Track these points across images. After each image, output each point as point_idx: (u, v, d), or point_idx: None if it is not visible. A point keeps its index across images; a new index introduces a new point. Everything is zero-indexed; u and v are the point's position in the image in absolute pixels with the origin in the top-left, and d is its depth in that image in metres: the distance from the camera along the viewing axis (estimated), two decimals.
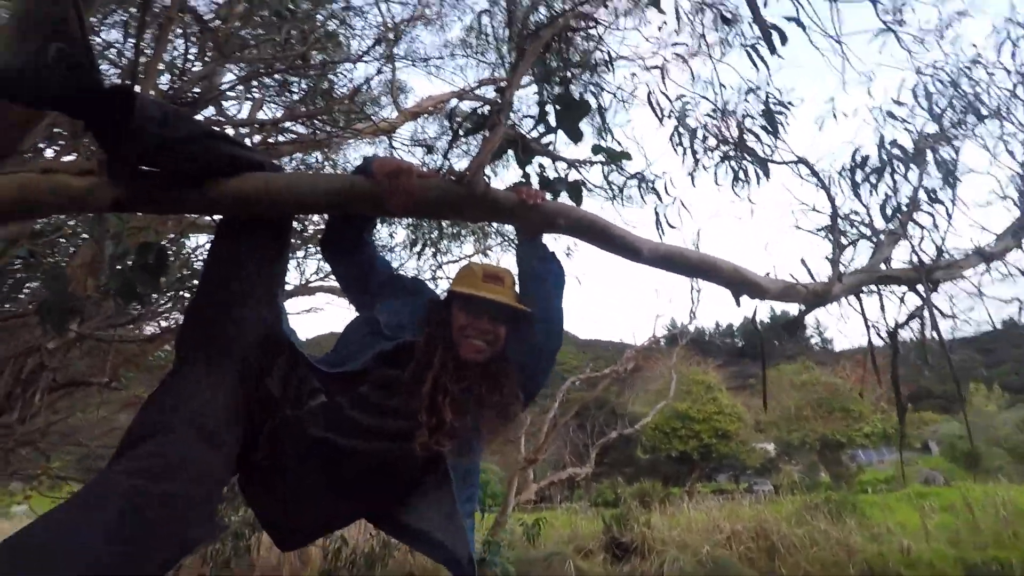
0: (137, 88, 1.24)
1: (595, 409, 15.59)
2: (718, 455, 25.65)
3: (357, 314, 1.63)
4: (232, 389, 1.22)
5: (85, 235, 3.24)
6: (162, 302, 4.07)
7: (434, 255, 6.15)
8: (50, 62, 1.03)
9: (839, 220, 2.82)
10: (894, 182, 2.97)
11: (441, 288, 2.04)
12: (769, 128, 3.18)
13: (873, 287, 2.63)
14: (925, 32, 3.39)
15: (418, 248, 5.89)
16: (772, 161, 3.14)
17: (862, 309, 2.58)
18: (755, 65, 2.80)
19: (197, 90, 2.70)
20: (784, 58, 2.82)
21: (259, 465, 1.29)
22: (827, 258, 2.40)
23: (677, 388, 21.25)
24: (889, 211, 2.93)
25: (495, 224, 6.72)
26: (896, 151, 3.02)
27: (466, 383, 1.41)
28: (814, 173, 2.78)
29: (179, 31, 2.60)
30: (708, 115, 3.35)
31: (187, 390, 1.17)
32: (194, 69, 2.88)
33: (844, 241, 2.85)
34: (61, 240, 3.38)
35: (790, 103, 3.22)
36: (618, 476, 24.67)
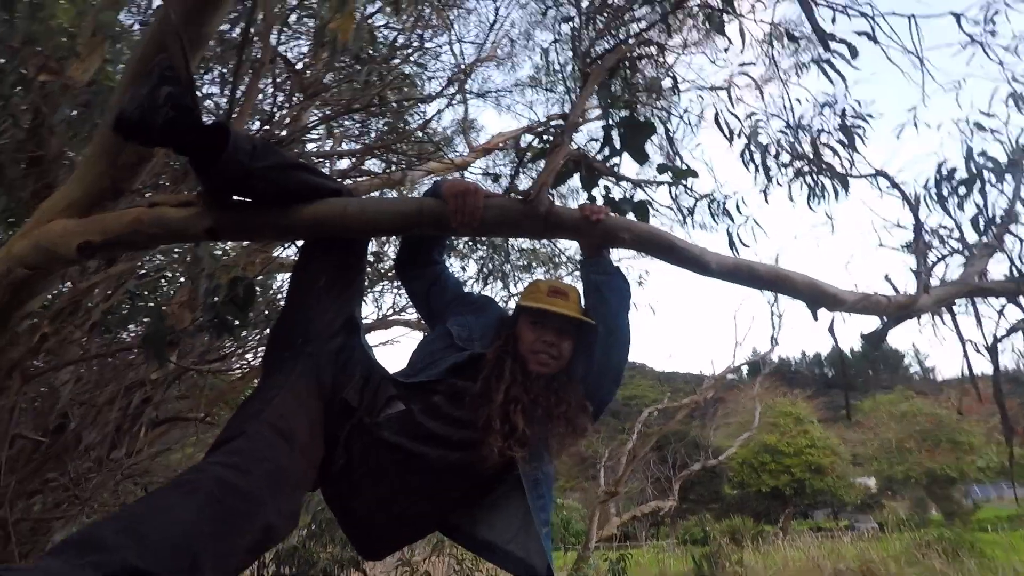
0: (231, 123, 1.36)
1: (675, 441, 15.04)
2: (813, 491, 24.04)
3: (428, 333, 1.69)
4: (309, 399, 1.28)
5: (183, 279, 3.51)
6: (250, 338, 4.32)
7: (504, 287, 6.23)
8: (161, 103, 1.15)
9: (926, 234, 2.67)
10: (984, 194, 2.78)
11: (510, 307, 2.08)
12: (847, 141, 3.07)
13: (966, 300, 2.45)
14: (1020, 39, 3.19)
15: (488, 280, 5.98)
16: (851, 176, 3.02)
17: (955, 324, 2.40)
18: (829, 79, 2.72)
19: (284, 132, 2.93)
20: (860, 70, 2.73)
21: (339, 474, 1.35)
22: (912, 270, 2.26)
23: (763, 420, 20.24)
24: (982, 224, 2.74)
25: (565, 253, 6.75)
26: (986, 162, 2.83)
27: (534, 394, 1.44)
28: (894, 185, 2.64)
29: (269, 78, 2.85)
30: (781, 131, 3.27)
31: (269, 398, 1.25)
32: (281, 113, 3.12)
33: (933, 256, 2.68)
34: (162, 282, 3.68)
35: (869, 115, 3.10)
36: (705, 512, 23.57)
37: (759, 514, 22.83)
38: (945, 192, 2.83)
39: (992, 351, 2.52)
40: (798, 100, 3.31)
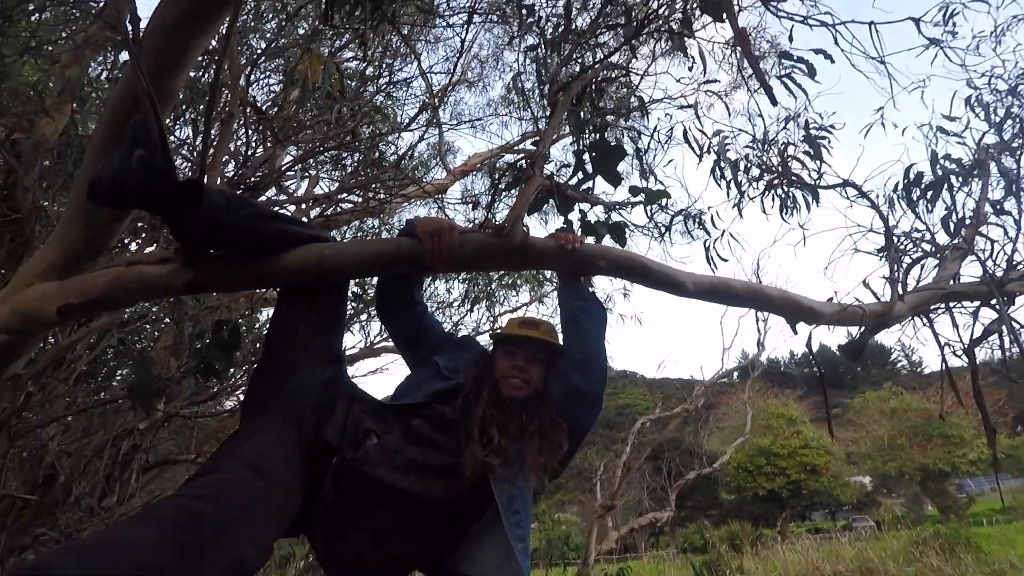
0: (205, 180, 1.38)
1: (670, 450, 15.07)
2: (809, 492, 24.13)
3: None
4: (288, 438, 1.29)
5: (167, 320, 3.50)
6: (238, 376, 4.30)
7: (488, 308, 6.25)
8: (134, 167, 1.17)
9: (900, 239, 2.73)
10: (952, 197, 2.87)
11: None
12: (812, 153, 3.15)
13: (941, 305, 2.51)
14: (980, 38, 3.30)
15: (472, 302, 6.01)
16: (820, 187, 3.09)
17: (933, 328, 2.46)
18: (791, 93, 2.80)
19: (259, 174, 2.95)
20: (821, 83, 2.81)
21: (327, 512, 1.36)
22: (885, 278, 2.32)
23: (756, 423, 20.30)
24: (952, 226, 2.82)
25: (548, 271, 6.80)
26: (952, 165, 2.92)
27: (508, 415, 1.50)
28: (862, 194, 2.71)
29: (240, 121, 2.87)
30: (748, 146, 3.35)
31: (245, 437, 1.27)
32: (256, 155, 3.14)
33: (907, 260, 2.74)
34: (146, 327, 3.66)
35: (831, 127, 3.18)
36: (703, 519, 23.55)
37: (757, 518, 22.86)
38: (914, 196, 2.91)
39: (969, 354, 2.58)
40: (763, 116, 3.39)
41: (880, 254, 2.80)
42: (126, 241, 2.83)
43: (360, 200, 4.36)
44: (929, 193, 2.88)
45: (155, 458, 3.74)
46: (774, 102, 1.95)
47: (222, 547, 1.03)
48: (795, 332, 2.01)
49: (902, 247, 2.78)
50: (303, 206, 3.79)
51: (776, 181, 3.16)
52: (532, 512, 1.59)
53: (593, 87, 2.73)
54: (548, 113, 2.55)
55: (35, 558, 0.97)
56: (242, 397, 5.19)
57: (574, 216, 2.26)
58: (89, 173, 1.34)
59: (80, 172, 1.39)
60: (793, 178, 3.17)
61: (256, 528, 1.11)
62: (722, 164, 3.30)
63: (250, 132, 3.16)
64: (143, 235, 2.69)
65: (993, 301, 2.51)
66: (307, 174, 4.18)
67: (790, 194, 3.22)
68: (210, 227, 1.26)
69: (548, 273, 6.92)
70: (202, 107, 3.06)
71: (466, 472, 1.39)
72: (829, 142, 3.15)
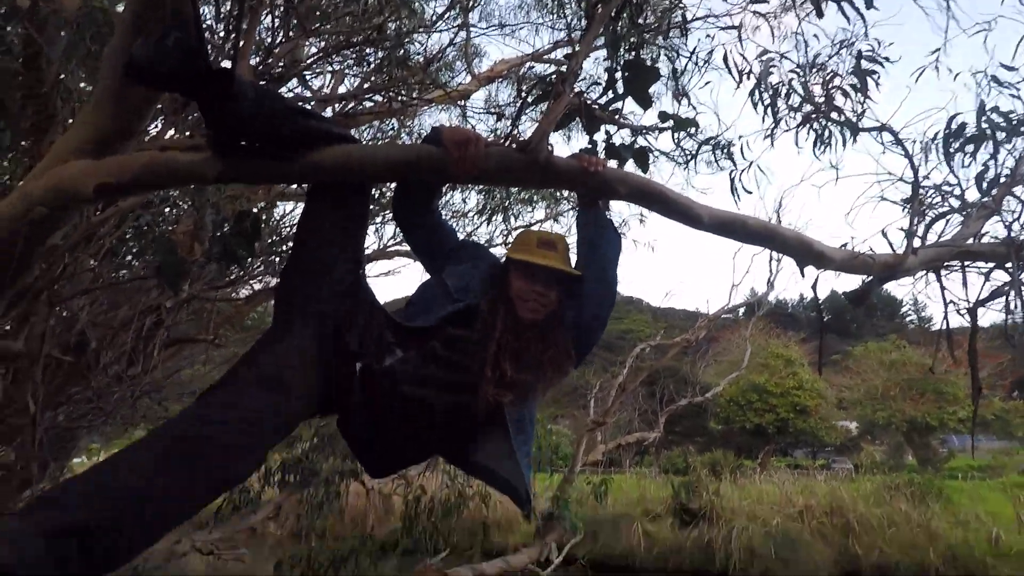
0: (236, 70, 1.38)
1: (665, 377, 15.46)
2: (795, 430, 24.85)
3: (428, 276, 1.78)
4: (309, 342, 1.38)
5: (187, 206, 3.55)
6: (256, 266, 4.42)
7: (504, 220, 6.26)
8: (170, 48, 1.18)
9: (927, 191, 2.68)
10: (995, 152, 2.77)
11: (502, 254, 2.16)
12: (859, 86, 3.02)
13: (956, 262, 2.50)
14: None
15: (488, 214, 6.01)
16: (860, 129, 2.98)
17: (941, 285, 2.47)
18: (846, 16, 2.66)
19: (281, 65, 2.90)
20: (879, 10, 2.65)
21: (354, 409, 1.48)
22: (902, 229, 2.31)
23: (754, 360, 20.61)
24: (985, 184, 2.74)
25: (566, 191, 6.75)
26: (999, 119, 2.80)
27: (523, 341, 1.56)
28: (898, 141, 2.63)
29: (267, 10, 2.78)
30: (792, 70, 3.20)
31: (264, 344, 1.37)
32: (277, 45, 3.07)
33: (931, 214, 2.70)
34: (166, 211, 3.72)
35: (886, 58, 3.03)
36: (689, 445, 24.45)
37: (741, 449, 23.71)
38: (952, 148, 2.82)
39: (972, 314, 2.59)
40: (815, 36, 3.22)
41: (905, 205, 2.76)
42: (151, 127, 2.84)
43: (383, 101, 4.28)
44: (969, 146, 2.79)
45: (175, 336, 3.91)
46: (820, 14, 1.86)
47: (212, 463, 1.14)
48: (803, 275, 2.03)
49: (928, 200, 2.73)
50: (325, 103, 3.73)
51: (815, 114, 3.07)
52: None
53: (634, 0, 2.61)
54: (583, 25, 2.45)
55: (52, 487, 1.09)
56: (256, 286, 5.36)
57: (599, 137, 2.24)
58: (120, 52, 1.35)
59: (109, 50, 1.39)
60: (834, 110, 3.06)
61: (256, 444, 1.22)
62: (762, 87, 3.19)
63: (276, 21, 3.08)
64: (163, 120, 2.69)
65: (1008, 264, 2.50)
66: (331, 69, 4.08)
67: (827, 128, 3.13)
68: (240, 118, 1.28)
69: (565, 191, 6.87)
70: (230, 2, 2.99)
71: (479, 405, 1.50)
72: (878, 77, 3.02)
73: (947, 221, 2.71)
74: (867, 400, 25.06)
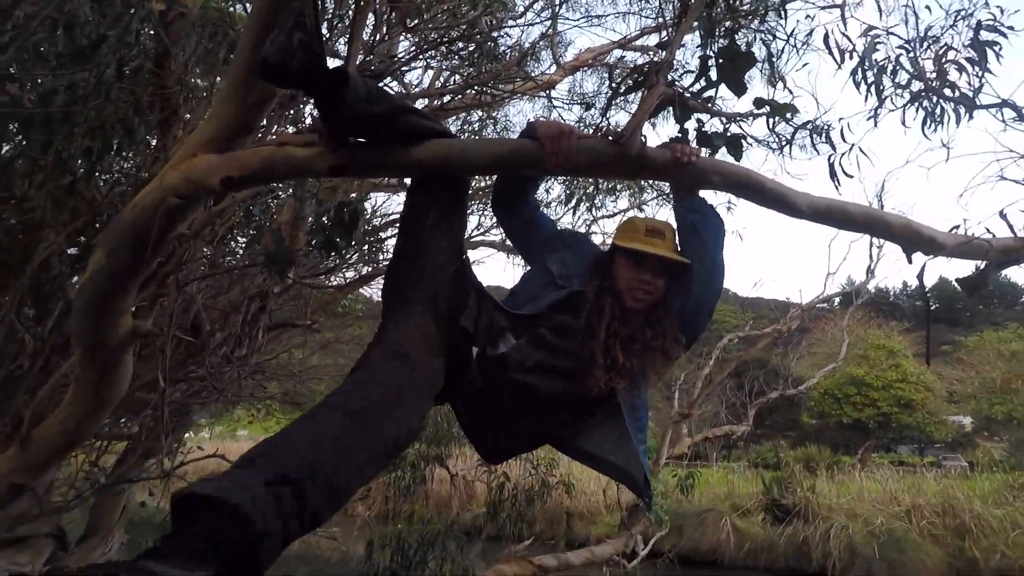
0: (350, 69, 1.47)
1: (754, 369, 14.87)
2: (899, 425, 23.30)
3: (527, 266, 1.82)
4: (426, 324, 1.44)
5: (289, 197, 3.77)
6: (351, 255, 4.65)
7: (589, 210, 6.22)
8: (295, 48, 1.27)
9: None
10: None
11: (602, 241, 2.16)
12: (976, 59, 2.77)
13: None
14: None
15: (574, 204, 5.99)
16: (977, 105, 2.74)
17: None
18: None
19: (379, 63, 3.02)
20: None
21: (471, 395, 1.55)
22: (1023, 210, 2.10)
23: (852, 351, 19.45)
24: None
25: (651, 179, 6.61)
26: None
27: (632, 328, 1.57)
28: (1021, 117, 2.40)
29: (372, 9, 2.91)
30: (901, 46, 2.99)
31: (386, 329, 1.44)
32: (380, 43, 3.20)
33: None
34: (271, 202, 3.98)
35: (1010, 27, 2.76)
36: (780, 440, 23.45)
37: (837, 445, 22.47)
38: None
39: None
40: (927, 7, 2.97)
41: None
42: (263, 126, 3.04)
43: (473, 94, 4.37)
44: None
45: (276, 320, 4.18)
46: None
47: (373, 433, 1.20)
48: (910, 262, 1.90)
49: None
50: (423, 99, 3.85)
51: (926, 91, 2.85)
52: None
53: None
54: (676, 12, 2.38)
55: (256, 446, 1.20)
56: (349, 274, 5.63)
57: (690, 125, 2.18)
58: (246, 51, 1.46)
59: (237, 50, 1.50)
60: (947, 86, 2.83)
61: (405, 409, 1.28)
62: (866, 66, 2.99)
63: (380, 20, 3.21)
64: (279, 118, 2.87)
65: None
66: (429, 65, 4.20)
67: (938, 105, 2.90)
68: (354, 116, 1.36)
69: (650, 181, 6.73)
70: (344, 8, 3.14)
71: (592, 391, 1.52)
72: (1000, 48, 2.76)
73: None
74: (983, 393, 23.08)
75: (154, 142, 2.84)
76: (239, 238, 3.62)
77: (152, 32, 2.64)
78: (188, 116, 2.81)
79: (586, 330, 1.54)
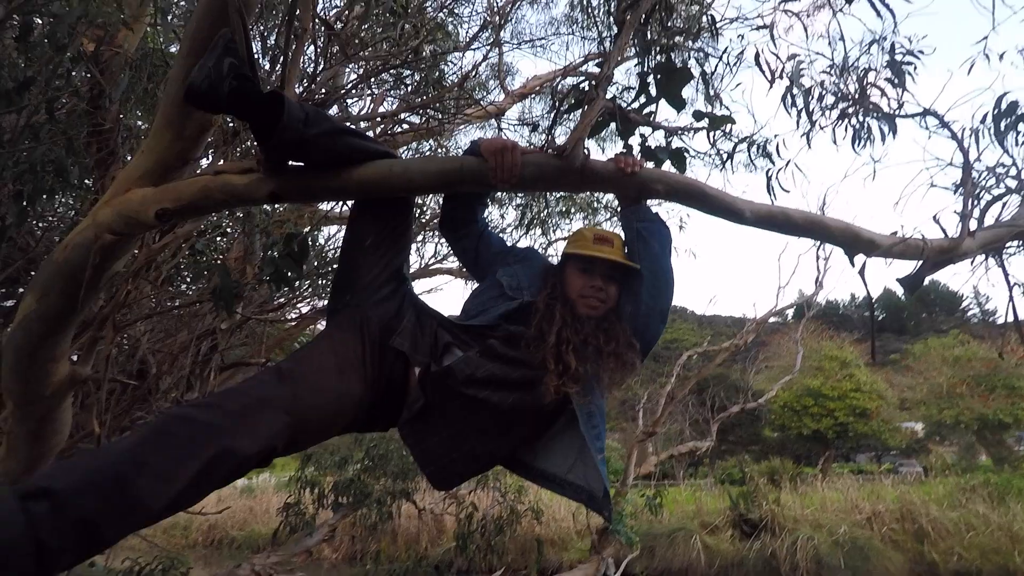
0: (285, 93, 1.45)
1: (715, 384, 15.12)
2: (856, 435, 23.86)
3: (477, 286, 1.81)
4: (345, 346, 1.43)
5: (237, 233, 3.69)
6: (303, 289, 4.56)
7: (543, 233, 6.29)
8: (225, 74, 1.26)
9: (979, 174, 2.58)
10: None
11: (554, 257, 2.17)
12: (895, 80, 2.95)
13: (1018, 243, 2.39)
14: None
15: (527, 227, 6.05)
16: (898, 116, 2.91)
17: (1004, 268, 2.36)
18: (878, 13, 2.61)
19: (323, 92, 3.02)
20: (911, 2, 2.59)
21: (417, 415, 1.50)
22: (956, 212, 2.22)
23: (807, 364, 19.94)
24: None
25: (603, 199, 6.74)
26: None
27: (584, 335, 1.56)
28: (943, 124, 2.55)
29: (310, 39, 2.91)
30: (824, 71, 3.16)
31: (302, 349, 1.43)
32: (321, 72, 3.21)
33: (987, 197, 2.60)
34: (218, 240, 3.89)
35: (920, 51, 2.96)
36: (744, 454, 23.77)
37: (799, 456, 22.92)
38: (1003, 127, 2.72)
39: None
40: (845, 38, 3.16)
41: (956, 189, 2.66)
42: (209, 164, 2.98)
43: (420, 121, 4.40)
44: (1021, 125, 2.68)
45: (229, 360, 4.04)
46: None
47: (200, 443, 1.13)
48: (852, 264, 1.98)
49: (983, 183, 2.63)
50: (365, 124, 3.85)
51: (851, 110, 3.00)
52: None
53: (663, 4, 2.61)
54: (614, 33, 2.47)
55: (39, 472, 1.16)
56: (304, 309, 5.52)
57: (634, 141, 2.24)
58: (178, 81, 1.44)
59: (168, 81, 1.48)
60: (870, 107, 3.00)
61: (257, 425, 1.21)
62: (794, 91, 3.14)
63: (318, 49, 3.22)
64: (214, 152, 2.83)
65: None
66: (371, 92, 4.22)
67: (865, 124, 3.06)
68: (291, 139, 1.34)
69: (603, 201, 6.87)
70: (278, 31, 3.13)
71: (545, 398, 1.49)
72: (915, 68, 2.95)
73: (1004, 204, 2.60)
74: (932, 399, 23.87)
75: (92, 183, 2.76)
76: (186, 279, 3.52)
77: (86, 73, 2.58)
78: (129, 157, 2.74)
79: (537, 337, 1.53)
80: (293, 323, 4.76)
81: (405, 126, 4.54)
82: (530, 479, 1.69)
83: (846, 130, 3.16)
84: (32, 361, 1.68)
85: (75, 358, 2.07)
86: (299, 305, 4.86)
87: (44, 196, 2.37)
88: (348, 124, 1.74)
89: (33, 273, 2.57)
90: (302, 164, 1.44)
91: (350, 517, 7.72)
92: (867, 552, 11.95)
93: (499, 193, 4.60)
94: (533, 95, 6.60)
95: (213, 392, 1.26)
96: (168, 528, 18.99)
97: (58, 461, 1.12)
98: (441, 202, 1.84)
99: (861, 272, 2.00)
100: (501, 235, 1.96)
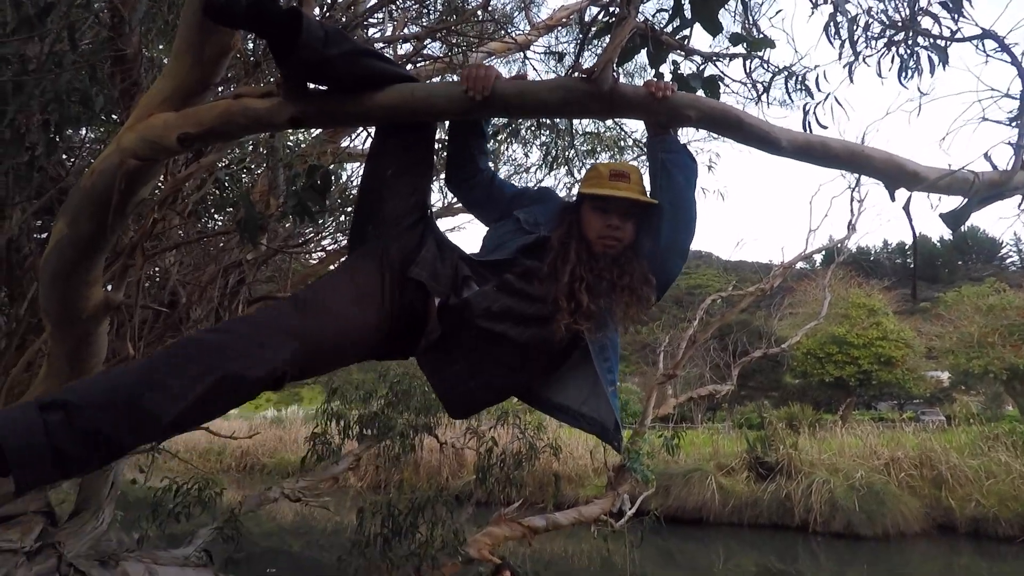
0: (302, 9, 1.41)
1: (738, 329, 15.07)
2: (879, 383, 23.77)
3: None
4: (363, 275, 1.43)
5: (260, 169, 3.69)
6: (327, 225, 4.59)
7: (568, 172, 6.17)
8: None
9: None
10: None
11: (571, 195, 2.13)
12: (951, 4, 2.75)
13: None
14: None
15: (550, 166, 5.93)
16: (954, 40, 2.71)
17: None
18: None
19: (343, 18, 2.93)
20: None
21: (435, 345, 1.50)
22: (1010, 143, 2.09)
23: (833, 311, 19.69)
24: None
25: (631, 136, 6.56)
26: None
27: (598, 271, 1.55)
28: (1003, 47, 2.36)
29: None
30: None
31: (320, 279, 1.43)
32: None
33: None
34: (243, 172, 3.89)
35: None
36: (763, 400, 23.91)
37: (819, 403, 22.95)
38: None
39: None
40: None
41: (1013, 122, 2.50)
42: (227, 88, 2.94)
43: (443, 54, 4.27)
44: None
45: (256, 294, 4.13)
46: None
47: (209, 363, 1.16)
48: (893, 199, 1.89)
49: None
50: (388, 48, 3.75)
51: (899, 37, 2.82)
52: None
53: None
54: None
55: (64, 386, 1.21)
56: (329, 245, 5.56)
57: (666, 68, 2.14)
58: (195, 3, 1.40)
59: (188, 2, 1.44)
60: (921, 35, 2.80)
61: (265, 351, 1.22)
62: (838, 19, 2.96)
63: None
64: (236, 84, 2.79)
65: None
66: (393, 18, 4.09)
67: (914, 53, 2.88)
68: (310, 59, 1.30)
69: (630, 138, 6.68)
70: None
71: (557, 335, 1.49)
72: None
73: None
74: (960, 348, 23.45)
75: (117, 116, 2.75)
76: (212, 213, 3.56)
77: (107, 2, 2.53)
78: (151, 86, 2.72)
79: (550, 275, 1.52)
80: (317, 261, 4.81)
81: (429, 60, 4.42)
82: (545, 411, 1.71)
83: (892, 61, 2.98)
84: (67, 284, 1.72)
85: (109, 288, 2.12)
86: (323, 241, 4.90)
87: (71, 126, 2.38)
88: (368, 46, 1.68)
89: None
90: (323, 88, 1.40)
91: (374, 448, 8.00)
92: (883, 497, 12.09)
93: (520, 128, 4.49)
94: (559, 27, 6.33)
95: (231, 319, 1.28)
96: (204, 452, 20.02)
97: (80, 379, 1.17)
98: (446, 155, 1.78)
99: (906, 207, 1.91)
100: (511, 182, 1.91)
